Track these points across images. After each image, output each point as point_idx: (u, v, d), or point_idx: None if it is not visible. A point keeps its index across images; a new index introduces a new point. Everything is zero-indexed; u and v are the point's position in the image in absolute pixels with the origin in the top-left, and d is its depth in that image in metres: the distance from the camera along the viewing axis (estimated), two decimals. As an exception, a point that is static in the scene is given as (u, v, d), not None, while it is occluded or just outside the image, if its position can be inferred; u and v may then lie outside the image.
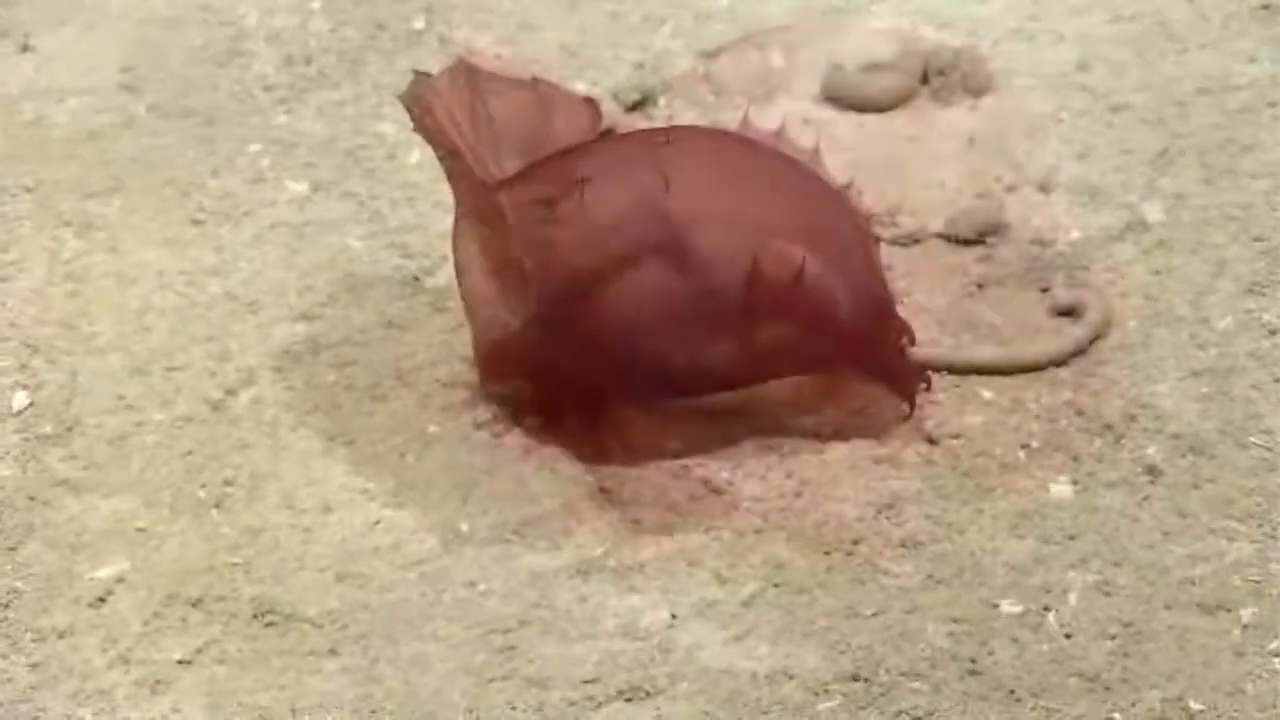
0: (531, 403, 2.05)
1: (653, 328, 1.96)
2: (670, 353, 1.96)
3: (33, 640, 1.85)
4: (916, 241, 2.27)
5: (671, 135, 2.03)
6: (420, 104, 2.04)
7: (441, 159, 2.05)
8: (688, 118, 2.49)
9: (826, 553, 1.90)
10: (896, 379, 2.04)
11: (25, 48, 2.69)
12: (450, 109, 2.02)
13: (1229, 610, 1.82)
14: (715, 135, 2.10)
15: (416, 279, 2.27)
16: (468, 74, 2.05)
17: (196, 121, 2.53)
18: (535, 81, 2.08)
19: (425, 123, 2.04)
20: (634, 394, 2.03)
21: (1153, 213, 2.27)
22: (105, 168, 2.45)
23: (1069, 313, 2.14)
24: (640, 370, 1.98)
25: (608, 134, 2.01)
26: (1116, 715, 1.73)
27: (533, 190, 1.95)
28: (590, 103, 2.09)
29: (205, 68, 2.63)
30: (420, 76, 2.06)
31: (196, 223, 2.36)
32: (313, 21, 2.71)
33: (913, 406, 2.03)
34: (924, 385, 2.03)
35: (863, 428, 2.03)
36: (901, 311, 2.10)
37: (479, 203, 2.00)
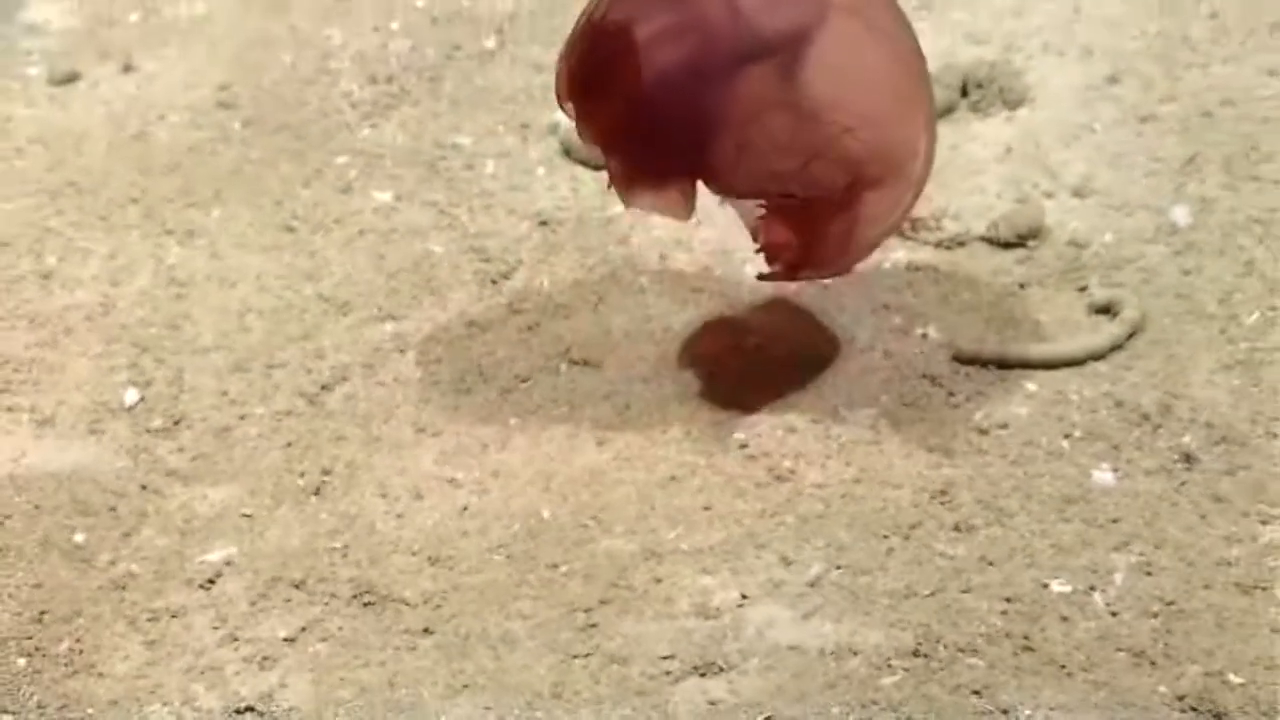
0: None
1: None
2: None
3: (148, 620, 1.83)
4: (961, 244, 2.24)
5: None
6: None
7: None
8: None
9: (885, 536, 1.87)
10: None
11: (128, 68, 2.67)
12: None
13: (1265, 589, 1.78)
14: None
15: (494, 281, 2.24)
16: None
17: (288, 136, 2.51)
18: None
19: None
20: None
21: (1182, 217, 2.23)
22: (205, 179, 2.44)
23: (1106, 310, 2.11)
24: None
25: None
26: (1161, 688, 1.69)
27: None
28: None
29: (295, 86, 2.61)
30: None
31: (290, 230, 2.34)
32: (394, 42, 2.69)
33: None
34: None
35: (916, 418, 2.00)
36: (947, 310, 2.08)
37: None
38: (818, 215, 1.91)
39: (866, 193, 1.89)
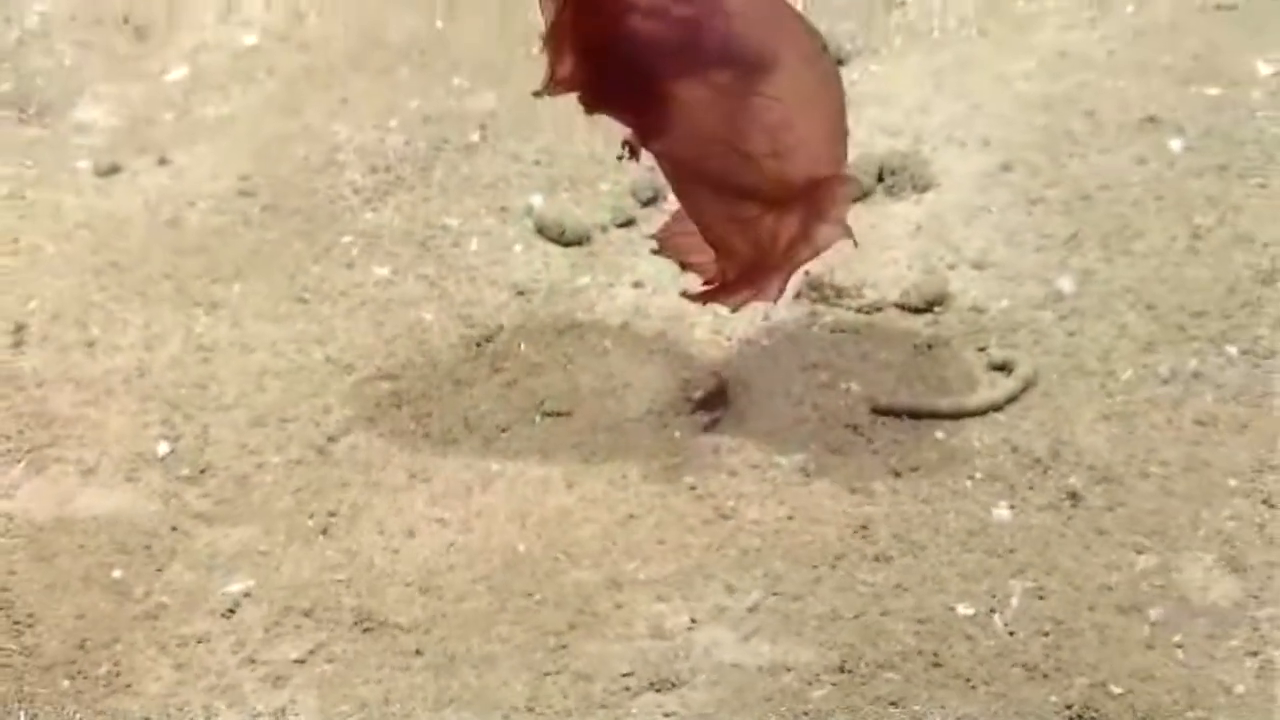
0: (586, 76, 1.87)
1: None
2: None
3: (177, 645, 1.81)
4: (878, 310, 2.22)
5: None
6: None
7: None
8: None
9: (815, 566, 1.85)
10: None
11: (163, 161, 2.65)
12: None
13: (1140, 610, 1.77)
14: None
15: (479, 344, 2.22)
16: None
17: (300, 219, 2.49)
18: None
19: None
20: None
21: (1067, 286, 2.23)
22: (228, 258, 2.41)
23: (1002, 368, 2.10)
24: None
25: None
26: (1053, 698, 1.68)
27: None
28: None
29: (307, 176, 2.59)
30: None
31: (302, 301, 2.32)
32: (390, 137, 2.66)
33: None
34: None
35: (841, 463, 1.99)
36: (866, 368, 2.07)
37: None
38: (739, 245, 1.90)
39: (805, 212, 1.87)
